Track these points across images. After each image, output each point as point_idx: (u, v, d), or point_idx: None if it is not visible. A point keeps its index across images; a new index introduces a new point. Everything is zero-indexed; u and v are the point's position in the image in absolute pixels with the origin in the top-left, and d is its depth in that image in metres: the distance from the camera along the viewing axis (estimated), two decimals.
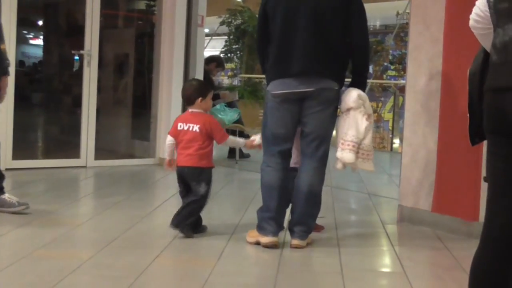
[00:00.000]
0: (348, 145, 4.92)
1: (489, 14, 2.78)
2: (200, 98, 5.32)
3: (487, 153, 2.78)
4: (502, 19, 2.62)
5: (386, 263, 5.04)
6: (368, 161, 5.01)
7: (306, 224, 5.06)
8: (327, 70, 5.01)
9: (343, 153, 4.94)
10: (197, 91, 5.35)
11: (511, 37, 2.55)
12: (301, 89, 5.00)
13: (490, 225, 2.75)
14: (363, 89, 5.07)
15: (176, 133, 5.33)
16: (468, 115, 2.98)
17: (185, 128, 5.29)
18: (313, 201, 5.08)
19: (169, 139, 5.41)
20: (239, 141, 5.80)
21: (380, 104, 14.80)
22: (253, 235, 5.14)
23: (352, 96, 4.95)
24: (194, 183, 5.27)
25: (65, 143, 9.90)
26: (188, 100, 5.38)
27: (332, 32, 4.98)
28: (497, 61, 2.64)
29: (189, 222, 5.26)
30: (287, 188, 5.11)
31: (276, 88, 5.07)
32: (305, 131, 5.08)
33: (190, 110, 5.37)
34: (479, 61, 2.87)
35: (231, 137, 5.57)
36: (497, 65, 2.64)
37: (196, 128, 5.25)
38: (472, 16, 2.88)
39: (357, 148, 4.95)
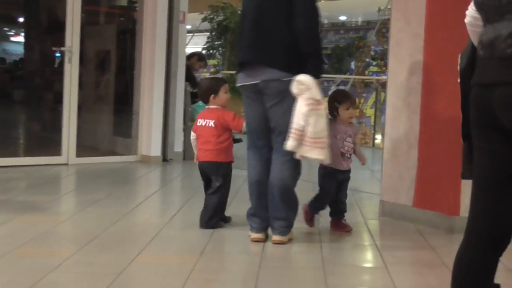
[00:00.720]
0: (291, 132, 4.78)
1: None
2: (212, 95, 5.53)
3: (473, 148, 2.79)
4: (490, 16, 2.63)
5: (367, 258, 5.06)
6: (316, 149, 4.72)
7: (284, 219, 5.05)
8: (272, 60, 4.91)
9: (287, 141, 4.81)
10: (208, 89, 5.59)
11: (498, 34, 2.56)
12: (248, 82, 5.01)
13: (474, 220, 2.76)
14: (315, 75, 4.76)
15: (196, 129, 5.59)
16: (461, 113, 2.97)
17: (203, 124, 5.52)
18: (287, 195, 5.03)
19: (192, 135, 5.67)
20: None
21: (362, 100, 14.83)
22: None
23: (293, 82, 4.78)
24: (213, 177, 5.53)
25: (46, 140, 9.87)
26: (203, 99, 5.65)
27: (274, 21, 4.88)
28: (483, 56, 2.64)
29: (215, 221, 5.50)
30: (265, 183, 5.09)
31: (237, 81, 5.16)
32: (270, 126, 5.04)
33: (207, 106, 5.62)
34: (468, 57, 2.87)
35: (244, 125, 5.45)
36: (484, 60, 2.64)
37: (211, 123, 5.48)
38: (470, 12, 2.87)
39: (301, 136, 4.73)
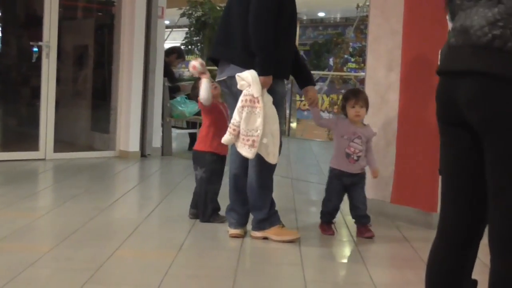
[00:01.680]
0: (229, 126, 4.85)
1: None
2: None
3: (440, 143, 2.79)
4: (467, 4, 2.59)
5: (345, 253, 5.08)
6: (245, 146, 4.74)
7: (254, 215, 5.09)
8: (233, 57, 4.94)
9: None
10: (195, 87, 5.75)
11: (473, 21, 2.52)
12: (218, 78, 5.09)
13: (444, 216, 2.76)
14: (259, 72, 4.73)
15: None
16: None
17: None
18: (254, 193, 5.04)
19: None
20: (203, 86, 5.43)
21: (340, 96, 14.85)
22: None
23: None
24: (193, 166, 5.67)
25: (23, 135, 9.79)
26: (196, 98, 5.74)
27: (237, 18, 4.91)
28: (454, 43, 2.60)
29: (207, 214, 5.55)
30: (242, 177, 5.10)
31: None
32: None
33: None
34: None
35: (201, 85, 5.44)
36: (453, 47, 2.61)
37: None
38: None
39: (236, 131, 4.79)
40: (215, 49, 5.14)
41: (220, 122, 5.49)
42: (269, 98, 4.80)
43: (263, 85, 4.74)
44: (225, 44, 5.01)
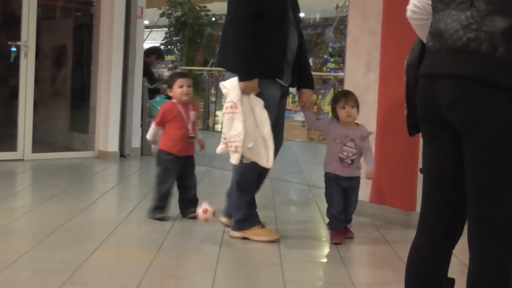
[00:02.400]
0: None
1: (426, 5, 2.79)
2: (168, 89, 5.85)
3: (423, 143, 2.81)
4: (439, 6, 2.64)
5: (325, 254, 5.08)
6: (232, 153, 4.76)
7: (234, 215, 5.13)
8: (226, 64, 5.01)
9: None
10: (168, 84, 5.95)
11: (447, 25, 2.57)
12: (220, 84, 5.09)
13: (425, 216, 2.78)
14: (238, 76, 4.76)
15: None
16: (405, 105, 3.00)
17: None
18: (234, 192, 5.09)
19: None
20: (149, 133, 5.87)
21: (320, 97, 14.88)
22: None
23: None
24: None
25: (1, 135, 9.73)
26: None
27: (226, 24, 5.00)
28: (432, 47, 2.65)
29: (150, 209, 5.69)
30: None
31: None
32: None
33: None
34: (416, 52, 2.88)
35: (153, 125, 5.84)
36: (432, 51, 2.65)
37: None
38: (410, 6, 2.90)
39: (226, 140, 4.81)
40: (217, 55, 5.34)
41: (175, 123, 5.66)
42: (258, 102, 4.77)
43: (244, 90, 4.73)
44: (222, 51, 5.12)
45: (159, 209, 5.61)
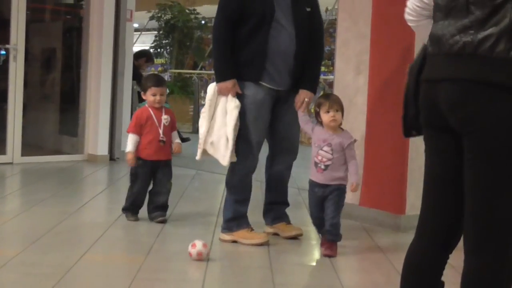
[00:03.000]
0: None
1: (416, 7, 2.83)
2: (142, 92, 5.85)
3: (425, 147, 2.83)
4: (438, 15, 2.68)
5: (314, 257, 5.08)
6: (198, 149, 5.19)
7: (223, 215, 5.20)
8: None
9: None
10: (141, 84, 5.91)
11: (444, 31, 2.61)
12: None
13: (424, 219, 2.79)
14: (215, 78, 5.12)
15: None
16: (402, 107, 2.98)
17: None
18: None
19: None
20: (127, 146, 5.77)
21: None
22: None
23: None
24: None
25: None
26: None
27: None
28: (431, 52, 2.70)
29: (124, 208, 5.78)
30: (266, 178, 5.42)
31: None
32: None
33: None
34: (419, 56, 2.89)
35: (129, 135, 5.75)
36: (431, 56, 2.69)
37: None
38: (406, 9, 2.93)
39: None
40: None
41: (145, 127, 5.67)
42: (233, 103, 4.92)
43: (219, 91, 4.98)
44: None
45: (128, 211, 5.70)
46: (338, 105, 4.91)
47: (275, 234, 5.25)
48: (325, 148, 4.86)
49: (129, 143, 5.68)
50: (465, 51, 2.54)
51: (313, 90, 5.16)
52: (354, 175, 4.88)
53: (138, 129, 5.63)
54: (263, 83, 5.00)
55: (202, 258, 4.48)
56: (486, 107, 2.50)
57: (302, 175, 8.44)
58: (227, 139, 4.92)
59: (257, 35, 4.96)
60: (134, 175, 5.70)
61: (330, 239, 4.85)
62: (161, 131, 5.63)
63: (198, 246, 4.49)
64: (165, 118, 5.66)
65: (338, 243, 4.94)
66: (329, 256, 4.78)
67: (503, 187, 2.52)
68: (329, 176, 4.86)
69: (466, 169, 2.59)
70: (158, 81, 5.79)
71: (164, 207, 5.68)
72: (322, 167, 4.87)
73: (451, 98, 2.57)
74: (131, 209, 5.70)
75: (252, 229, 5.11)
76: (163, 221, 5.57)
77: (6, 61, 8.92)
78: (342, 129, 4.98)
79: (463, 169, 2.61)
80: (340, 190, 4.88)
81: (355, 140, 4.97)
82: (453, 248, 2.78)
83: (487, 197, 2.54)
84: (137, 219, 5.66)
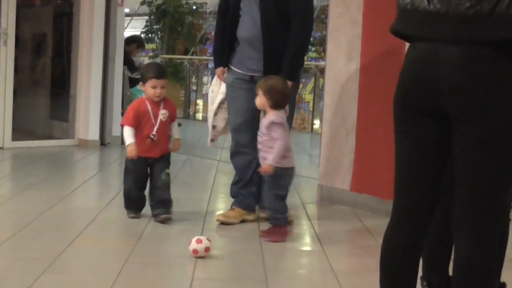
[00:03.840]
0: None
1: None
2: (141, 82, 5.28)
3: (396, 130, 2.79)
4: None
5: (305, 242, 5.09)
6: None
7: None
8: None
9: None
10: (141, 74, 5.42)
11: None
12: None
13: (397, 204, 2.78)
14: None
15: None
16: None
17: None
18: None
19: None
20: (126, 139, 5.15)
21: (301, 86, 14.88)
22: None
23: None
24: None
25: None
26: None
27: None
28: (433, 9, 2.53)
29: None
30: None
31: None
32: None
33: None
34: None
35: (125, 128, 5.16)
36: (434, 13, 2.53)
37: None
38: None
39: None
40: None
41: (141, 124, 5.17)
42: (223, 87, 5.46)
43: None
44: None
45: (128, 209, 5.32)
46: (256, 88, 4.84)
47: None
48: (259, 132, 4.88)
49: (128, 135, 5.10)
50: (482, 11, 2.40)
51: (289, 76, 5.03)
52: (270, 155, 4.76)
53: (136, 123, 5.11)
54: (232, 67, 5.27)
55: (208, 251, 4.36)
56: (495, 91, 2.42)
57: (297, 161, 8.46)
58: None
59: (228, 23, 5.24)
60: (125, 170, 5.29)
61: (272, 223, 4.89)
62: (155, 128, 5.14)
63: (204, 242, 4.33)
64: (162, 113, 5.17)
65: (331, 228, 4.96)
66: (271, 241, 4.77)
67: (503, 177, 2.52)
68: (262, 159, 4.85)
69: (462, 156, 2.54)
70: (160, 72, 5.20)
71: (165, 203, 5.22)
72: (258, 151, 4.90)
73: (455, 61, 2.44)
74: (127, 205, 5.32)
75: (232, 208, 5.30)
76: (165, 220, 5.14)
77: None
78: (275, 110, 4.81)
79: (445, 152, 2.59)
80: (270, 172, 4.78)
81: (272, 121, 4.76)
82: (427, 233, 2.76)
83: (486, 185, 2.52)
84: (136, 216, 5.26)
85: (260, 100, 4.81)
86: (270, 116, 4.79)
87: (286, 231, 4.88)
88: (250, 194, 5.26)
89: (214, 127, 5.49)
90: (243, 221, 5.25)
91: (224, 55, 5.29)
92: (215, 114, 5.48)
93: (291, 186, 5.09)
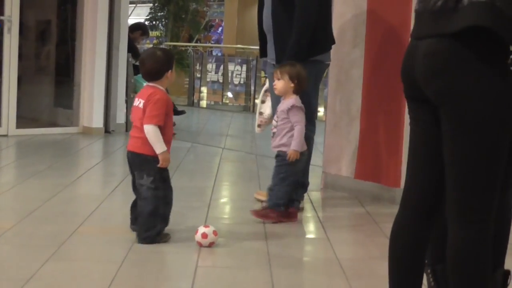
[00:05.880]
0: None
1: None
2: (169, 71, 4.41)
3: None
4: None
5: (310, 229, 5.10)
6: None
7: None
8: None
9: None
10: (164, 64, 4.39)
11: None
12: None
13: (407, 190, 2.80)
14: None
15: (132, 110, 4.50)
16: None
17: (136, 104, 4.40)
18: None
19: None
20: (158, 143, 4.26)
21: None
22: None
23: None
24: (136, 172, 4.37)
25: None
26: (157, 76, 4.37)
27: None
28: (418, 10, 2.70)
29: (147, 236, 4.30)
30: None
31: (329, 58, 5.40)
32: None
33: (148, 84, 4.45)
34: None
35: (155, 131, 4.26)
36: (418, 14, 2.70)
37: (141, 103, 4.33)
38: None
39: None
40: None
41: (168, 122, 4.42)
42: None
43: None
44: None
45: (161, 232, 4.39)
46: (280, 73, 4.89)
47: None
48: (275, 116, 5.03)
49: (160, 139, 4.26)
50: (447, 7, 2.53)
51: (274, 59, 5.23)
52: (292, 141, 4.86)
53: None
54: (265, 58, 5.46)
55: (209, 240, 4.29)
56: (463, 77, 2.50)
57: None
58: None
59: (259, 16, 5.44)
60: (162, 180, 4.37)
61: (267, 205, 4.96)
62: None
63: (209, 237, 4.27)
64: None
65: (335, 216, 4.99)
66: (261, 220, 4.88)
67: (482, 157, 2.54)
68: (275, 143, 4.97)
69: (444, 140, 2.60)
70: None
71: (144, 224, 4.34)
72: (271, 134, 5.06)
73: (428, 52, 2.57)
74: (162, 227, 4.38)
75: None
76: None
77: (0, 33, 8.89)
78: (294, 95, 4.91)
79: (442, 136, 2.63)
80: (280, 157, 4.93)
81: (291, 106, 4.86)
82: (438, 221, 2.78)
83: (466, 167, 2.55)
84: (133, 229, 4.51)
85: (285, 85, 4.88)
86: (290, 101, 4.87)
87: (275, 217, 4.90)
88: None
89: (261, 113, 5.48)
90: None
91: (262, 46, 5.45)
92: (262, 101, 5.48)
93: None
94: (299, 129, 4.84)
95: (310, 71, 5.04)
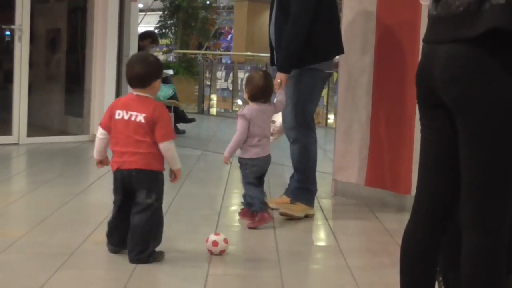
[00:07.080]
0: None
1: None
2: (158, 81, 4.18)
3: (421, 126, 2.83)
4: None
5: (320, 237, 5.09)
6: None
7: None
8: None
9: None
10: (156, 71, 4.18)
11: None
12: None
13: (419, 198, 2.79)
14: None
15: (110, 124, 4.16)
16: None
17: (127, 117, 4.09)
18: None
19: (101, 132, 4.22)
20: (177, 158, 4.21)
21: None
22: (301, 209, 5.29)
23: None
24: (142, 191, 4.08)
25: None
26: (142, 82, 4.12)
27: None
28: (436, 15, 2.66)
29: (149, 253, 4.09)
30: None
31: (329, 67, 5.41)
32: None
33: (135, 93, 4.18)
34: None
35: (175, 147, 4.19)
36: (437, 18, 2.66)
37: (141, 118, 4.05)
38: None
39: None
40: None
41: None
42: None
43: None
44: None
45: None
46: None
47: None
48: None
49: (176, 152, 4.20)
50: (470, 11, 2.49)
51: (279, 68, 5.21)
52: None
53: None
54: (274, 67, 5.40)
55: (220, 248, 4.27)
56: (484, 84, 2.47)
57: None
58: None
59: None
60: (162, 198, 4.22)
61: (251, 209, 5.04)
62: None
63: (220, 245, 4.25)
64: None
65: (346, 223, 4.99)
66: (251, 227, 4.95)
67: (500, 166, 2.52)
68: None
69: (461, 147, 2.58)
70: None
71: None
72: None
73: (448, 58, 2.53)
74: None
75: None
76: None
77: (11, 42, 8.92)
78: (251, 103, 5.07)
79: (457, 144, 2.61)
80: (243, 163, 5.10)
81: (238, 115, 5.07)
82: (449, 229, 2.77)
83: (483, 176, 2.53)
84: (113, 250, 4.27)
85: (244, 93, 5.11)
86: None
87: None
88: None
89: (273, 122, 5.48)
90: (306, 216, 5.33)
91: (271, 54, 5.45)
92: None
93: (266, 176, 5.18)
94: (234, 137, 5.00)
95: (305, 79, 5.18)
